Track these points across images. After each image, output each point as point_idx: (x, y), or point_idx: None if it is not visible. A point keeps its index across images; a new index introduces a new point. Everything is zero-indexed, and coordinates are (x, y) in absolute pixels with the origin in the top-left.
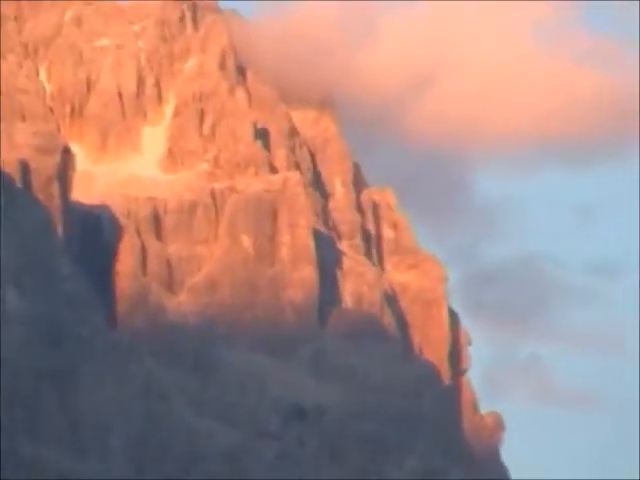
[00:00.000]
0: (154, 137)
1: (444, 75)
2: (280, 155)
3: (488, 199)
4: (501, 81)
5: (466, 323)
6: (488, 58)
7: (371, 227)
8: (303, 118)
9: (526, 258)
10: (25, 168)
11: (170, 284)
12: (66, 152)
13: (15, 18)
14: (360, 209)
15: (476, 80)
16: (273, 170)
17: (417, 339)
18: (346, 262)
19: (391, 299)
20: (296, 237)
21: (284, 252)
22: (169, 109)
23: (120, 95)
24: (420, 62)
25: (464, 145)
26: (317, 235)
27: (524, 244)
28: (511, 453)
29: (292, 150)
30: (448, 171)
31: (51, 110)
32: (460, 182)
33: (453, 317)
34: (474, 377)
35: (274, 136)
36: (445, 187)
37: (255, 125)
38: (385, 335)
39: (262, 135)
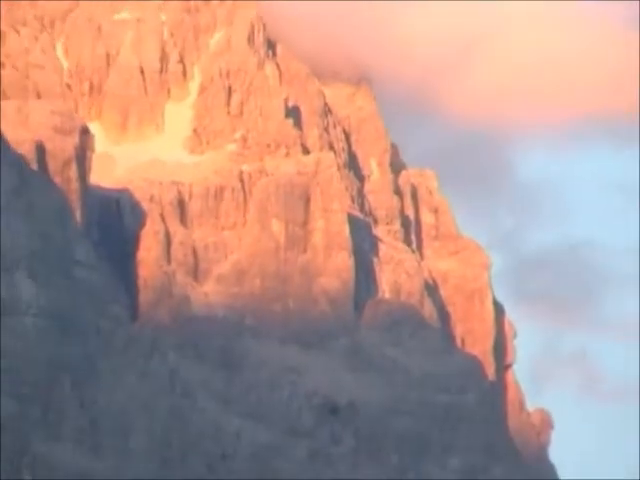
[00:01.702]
0: (178, 116)
1: (487, 47)
2: (313, 135)
3: (530, 180)
4: (547, 53)
5: (511, 314)
6: (534, 29)
7: (410, 212)
8: (337, 95)
9: (572, 243)
10: (41, 149)
11: (196, 273)
12: (84, 132)
13: None
14: (398, 192)
15: (521, 53)
16: (305, 151)
17: (459, 331)
18: (383, 249)
19: (431, 288)
20: (330, 222)
21: (317, 238)
22: (194, 86)
23: (142, 71)
24: (462, 34)
25: (504, 125)
26: (352, 220)
27: (569, 228)
28: (559, 451)
29: (325, 129)
30: (490, 151)
31: (68, 87)
32: (501, 163)
33: (497, 308)
34: (519, 372)
35: (306, 114)
36: (487, 168)
37: (286, 103)
38: (425, 327)
39: (293, 113)
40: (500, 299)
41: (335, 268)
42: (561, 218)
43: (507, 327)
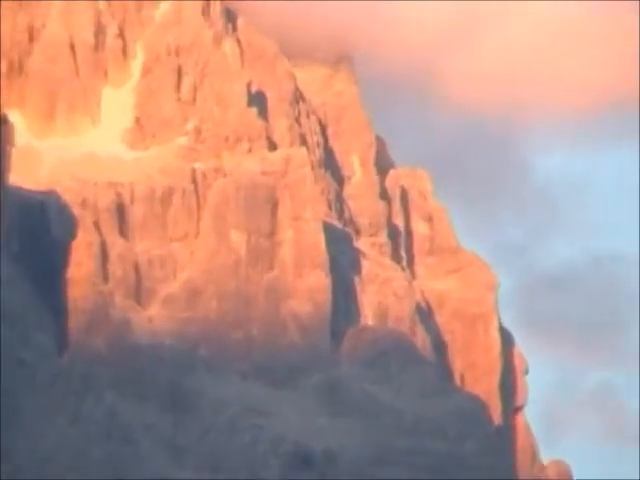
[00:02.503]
0: (117, 102)
1: (489, 24)
2: (281, 126)
3: (547, 183)
4: (561, 32)
5: (521, 344)
6: (543, 3)
7: (399, 220)
8: (311, 78)
9: (596, 259)
10: None
11: (138, 294)
12: (2, 122)
13: None
14: (385, 197)
15: (530, 30)
16: (272, 146)
17: (458, 365)
18: (366, 265)
19: (425, 313)
20: (302, 233)
21: (286, 253)
22: (136, 66)
23: (72, 47)
24: (460, 8)
25: (515, 114)
26: (329, 230)
27: (593, 240)
28: None
29: (296, 120)
30: (496, 147)
31: None
32: (512, 161)
33: (505, 337)
34: (532, 414)
35: (273, 102)
36: (492, 168)
37: (249, 87)
38: (417, 360)
39: (257, 100)
40: (508, 326)
41: (308, 289)
42: (583, 228)
43: (517, 360)
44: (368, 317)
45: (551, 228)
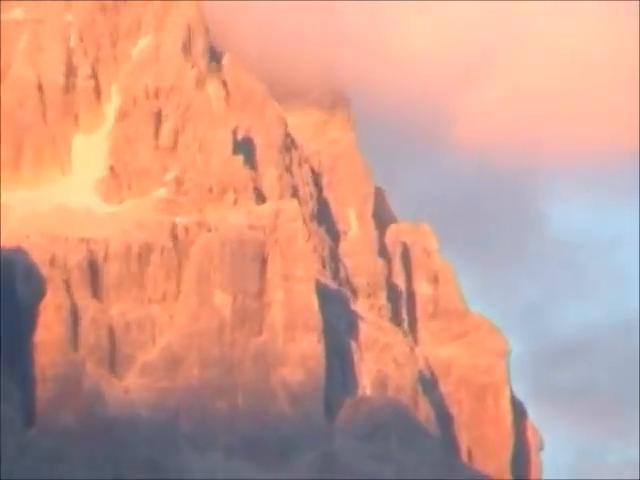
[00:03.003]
0: (89, 150)
1: (501, 64)
2: (270, 176)
3: (565, 238)
4: (580, 71)
5: (535, 418)
6: (560, 39)
7: (400, 280)
8: (304, 123)
9: (619, 323)
10: None
11: (112, 362)
12: None
13: None
14: (384, 254)
15: (544, 70)
16: (260, 198)
17: (465, 440)
18: (364, 329)
19: (428, 382)
20: (293, 293)
21: (276, 315)
22: (111, 110)
23: (40, 88)
24: (469, 47)
25: (530, 161)
26: (323, 291)
27: (616, 303)
28: None
29: (287, 169)
30: (509, 197)
31: None
32: (527, 213)
33: (517, 409)
34: None
35: (262, 149)
36: (505, 221)
37: (235, 133)
38: (420, 434)
39: (245, 147)
40: (521, 397)
41: (300, 354)
42: (606, 289)
43: (530, 435)
44: (366, 386)
45: (570, 288)
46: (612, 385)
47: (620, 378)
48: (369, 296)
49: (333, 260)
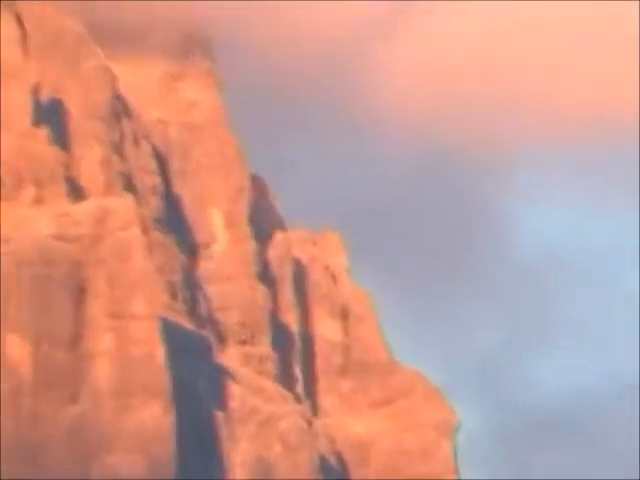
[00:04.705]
0: None
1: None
2: (91, 159)
3: (535, 255)
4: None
5: None
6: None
7: (291, 317)
8: (142, 79)
9: (617, 383)
10: None
11: None
12: None
13: None
14: (267, 277)
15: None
16: (76, 193)
17: None
18: (237, 394)
19: (335, 475)
20: (127, 340)
21: (100, 373)
22: None
23: None
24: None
25: (489, 145)
26: (173, 335)
27: (612, 354)
28: None
29: (117, 149)
30: (453, 195)
31: None
32: (481, 219)
33: None
34: None
35: (78, 117)
36: (447, 229)
37: (36, 93)
38: None
39: (52, 114)
40: None
41: (137, 433)
42: (599, 334)
43: None
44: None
45: (544, 329)
46: (613, 474)
47: (622, 464)
48: (244, 343)
49: (188, 287)
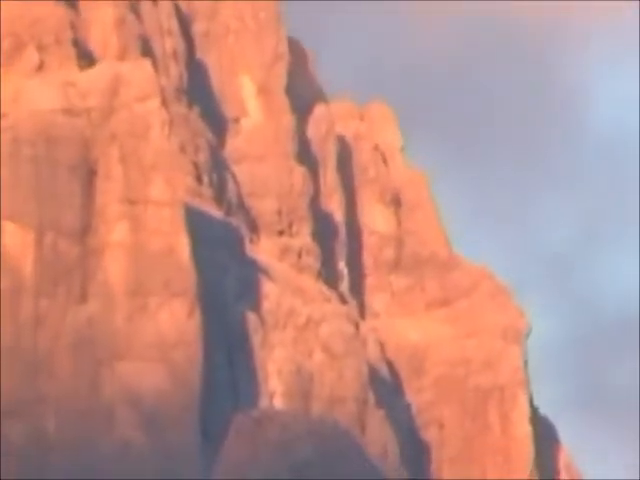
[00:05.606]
0: None
1: None
2: (102, 17)
3: (609, 145)
4: None
5: (572, 443)
6: None
7: (335, 205)
8: None
9: None
10: None
11: None
12: None
13: None
14: (306, 158)
15: None
16: (85, 57)
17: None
18: (272, 293)
19: (386, 386)
20: (143, 230)
21: (113, 268)
22: None
23: None
24: None
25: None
26: (198, 224)
27: None
28: None
29: (133, 8)
30: (517, 68)
31: None
32: (549, 92)
33: (543, 431)
34: None
35: None
36: (513, 104)
37: None
38: (369, 475)
39: None
40: (549, 411)
41: (156, 339)
42: None
43: (564, 473)
44: (274, 393)
45: (617, 225)
46: None
47: None
48: (280, 233)
49: (215, 169)
